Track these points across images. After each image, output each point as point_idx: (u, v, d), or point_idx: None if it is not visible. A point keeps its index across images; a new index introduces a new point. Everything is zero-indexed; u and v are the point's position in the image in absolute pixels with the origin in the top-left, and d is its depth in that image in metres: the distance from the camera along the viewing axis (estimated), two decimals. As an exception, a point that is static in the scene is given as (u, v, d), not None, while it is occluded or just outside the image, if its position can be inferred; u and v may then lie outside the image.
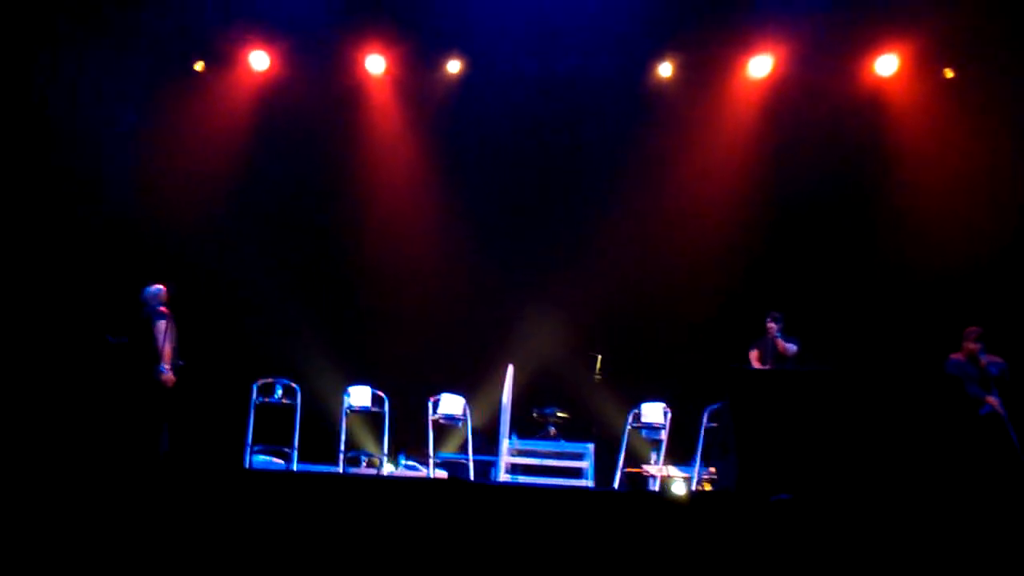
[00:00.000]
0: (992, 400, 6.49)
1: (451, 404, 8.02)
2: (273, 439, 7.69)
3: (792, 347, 7.54)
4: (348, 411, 7.76)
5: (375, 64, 9.60)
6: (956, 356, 6.76)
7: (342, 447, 7.64)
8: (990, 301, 8.10)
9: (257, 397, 7.60)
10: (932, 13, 8.41)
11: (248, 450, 7.49)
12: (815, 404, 4.30)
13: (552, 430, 8.88)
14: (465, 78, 9.61)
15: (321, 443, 7.94)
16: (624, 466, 8.00)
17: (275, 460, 7.77)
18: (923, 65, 9.01)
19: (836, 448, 4.10)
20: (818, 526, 3.32)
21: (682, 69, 9.42)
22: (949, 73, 9.01)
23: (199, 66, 9.69)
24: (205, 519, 3.93)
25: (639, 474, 8.26)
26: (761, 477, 3.86)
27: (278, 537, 3.98)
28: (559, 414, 8.96)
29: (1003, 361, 6.75)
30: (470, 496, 4.28)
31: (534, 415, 9.01)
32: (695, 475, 7.70)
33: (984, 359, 6.64)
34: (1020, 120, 8.58)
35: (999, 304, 8.11)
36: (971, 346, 6.69)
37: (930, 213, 8.77)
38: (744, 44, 9.11)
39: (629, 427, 8.00)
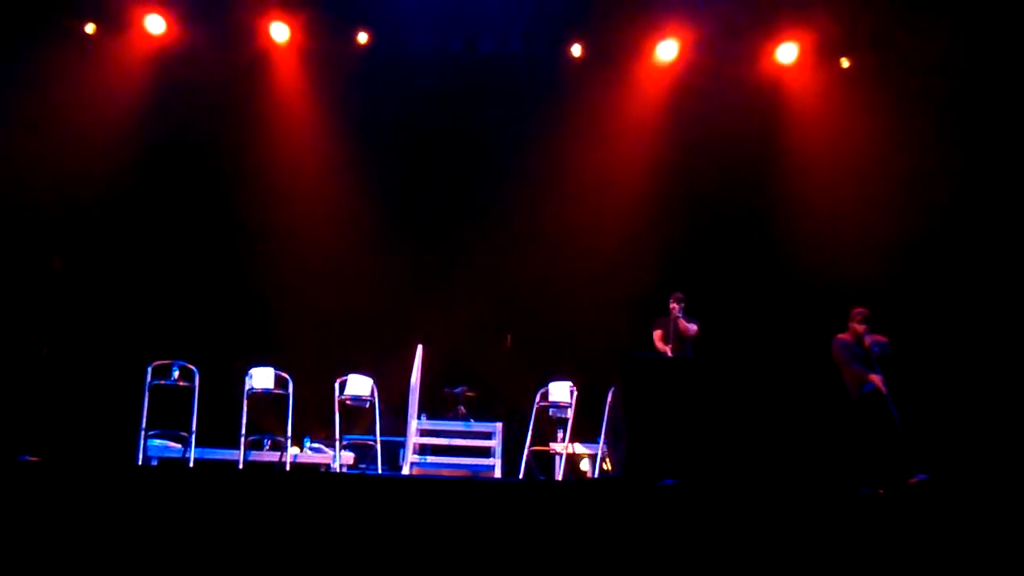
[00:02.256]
0: (875, 378, 6.78)
1: (358, 385, 7.91)
2: (170, 423, 7.42)
3: (693, 327, 7.75)
4: (250, 393, 7.55)
5: (279, 32, 9.27)
6: (842, 336, 7.06)
7: (243, 431, 7.43)
8: (882, 283, 8.52)
9: (152, 379, 7.28)
10: (828, 3, 8.68)
11: (142, 435, 7.20)
12: (704, 391, 4.44)
13: (461, 409, 8.92)
14: (373, 51, 9.38)
15: (221, 427, 7.70)
16: (531, 444, 8.09)
17: (171, 445, 7.51)
18: (821, 54, 9.35)
19: (724, 434, 4.25)
20: (703, 510, 3.45)
21: (592, 51, 9.48)
22: (845, 62, 9.38)
23: (90, 28, 9.14)
24: (89, 524, 3.74)
25: (546, 452, 8.40)
26: (651, 463, 3.97)
27: (172, 539, 3.83)
28: (468, 393, 9.02)
29: (886, 340, 7.07)
30: (375, 490, 4.22)
31: (444, 394, 9.04)
32: (599, 453, 7.88)
33: (868, 339, 6.93)
34: (912, 109, 8.98)
35: (890, 286, 8.53)
36: (857, 327, 6.99)
37: (826, 199, 9.14)
38: (652, 28, 9.22)
39: (537, 406, 8.09)
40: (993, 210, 8.51)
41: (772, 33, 9.23)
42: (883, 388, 6.75)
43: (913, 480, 6.25)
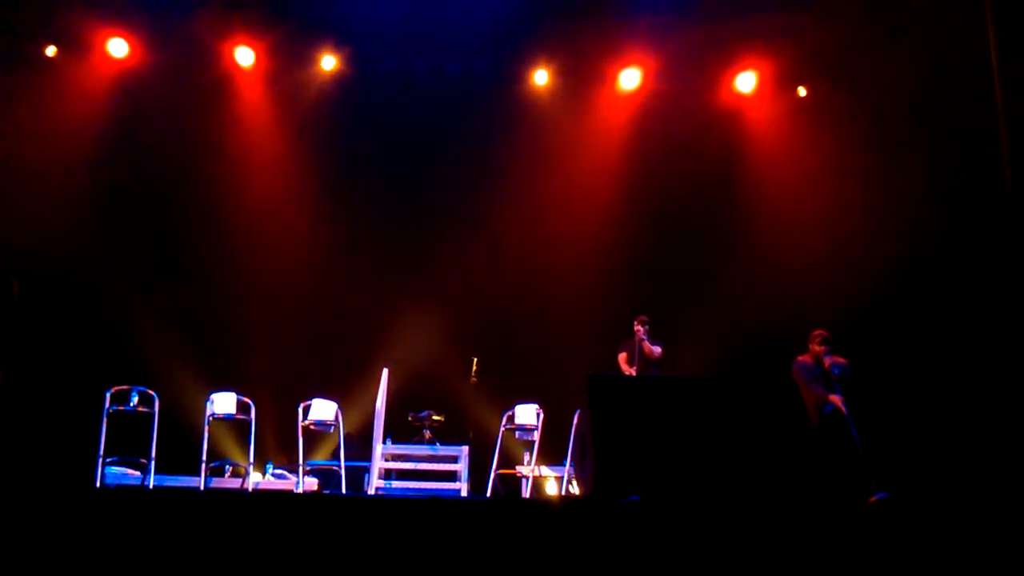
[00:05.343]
0: (834, 399, 6.87)
1: (322, 410, 7.83)
2: (129, 450, 7.26)
3: (657, 349, 7.84)
4: (211, 419, 7.43)
5: (244, 56, 9.28)
6: (802, 358, 7.16)
7: (204, 457, 7.30)
8: (841, 305, 8.69)
9: (110, 405, 7.13)
10: (786, 35, 8.96)
11: (100, 462, 7.03)
12: (670, 410, 4.49)
13: (427, 433, 8.87)
14: (339, 75, 9.45)
15: (182, 453, 7.58)
16: (498, 468, 8.07)
17: (130, 472, 7.35)
18: (778, 83, 9.63)
19: (687, 451, 4.30)
20: (665, 526, 3.48)
21: (557, 78, 9.65)
22: (802, 91, 9.69)
23: (51, 51, 9.05)
24: (47, 546, 3.64)
25: (512, 475, 8.37)
26: (618, 481, 4.00)
27: (132, 564, 3.74)
28: (434, 417, 8.97)
29: (846, 362, 7.18)
30: (339, 510, 4.18)
31: (409, 419, 8.98)
32: (565, 475, 7.88)
33: (828, 360, 7.04)
34: (867, 135, 9.23)
35: (850, 307, 8.70)
36: (816, 348, 7.10)
37: (785, 222, 9.37)
38: (615, 57, 9.43)
39: (503, 429, 8.08)
40: (950, 232, 8.74)
41: (731, 62, 9.51)
42: (843, 408, 6.83)
43: (873, 499, 6.33)
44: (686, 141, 9.53)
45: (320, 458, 8.35)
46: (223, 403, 7.47)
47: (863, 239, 8.96)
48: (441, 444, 8.54)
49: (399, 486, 8.06)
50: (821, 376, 7.01)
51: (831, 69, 9.42)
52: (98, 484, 7.01)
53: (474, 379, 8.53)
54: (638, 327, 7.86)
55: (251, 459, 7.50)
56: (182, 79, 9.22)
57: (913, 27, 8.46)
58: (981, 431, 7.96)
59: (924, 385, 8.39)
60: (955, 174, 8.65)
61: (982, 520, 4.44)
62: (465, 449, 8.10)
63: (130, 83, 9.19)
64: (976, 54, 8.17)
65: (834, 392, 6.89)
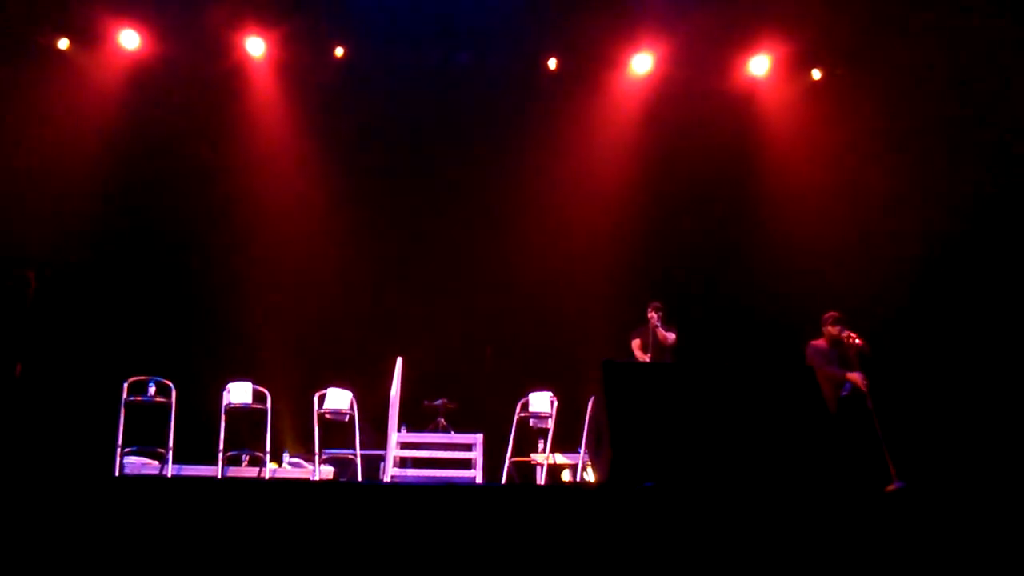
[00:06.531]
0: (853, 376, 6.75)
1: (337, 398, 7.88)
2: (147, 440, 7.35)
3: (671, 335, 7.81)
4: (228, 408, 7.49)
5: (255, 46, 9.27)
6: (816, 342, 7.08)
7: (221, 446, 7.36)
8: (855, 287, 8.61)
9: (128, 396, 7.21)
10: (800, 16, 8.84)
11: (118, 452, 7.11)
12: (686, 396, 4.47)
13: (441, 421, 8.92)
14: (350, 64, 9.42)
15: (199, 443, 7.65)
16: (512, 455, 8.09)
17: (148, 462, 7.43)
18: (792, 66, 9.53)
19: (703, 437, 4.28)
20: (682, 512, 3.47)
21: (568, 64, 9.59)
22: (817, 74, 9.57)
23: (63, 44, 9.09)
24: (67, 534, 3.68)
25: (527, 463, 8.39)
26: (634, 468, 3.99)
27: (151, 552, 3.78)
28: (448, 405, 9.01)
29: (863, 341, 7.07)
30: (355, 497, 4.19)
31: (424, 407, 9.03)
32: (580, 463, 7.89)
33: (845, 334, 6.91)
34: (882, 119, 9.13)
35: (863, 289, 8.63)
36: (830, 329, 7.01)
37: (798, 206, 9.29)
38: (627, 41, 9.35)
39: (517, 416, 8.09)
40: (972, 215, 8.62)
41: (744, 45, 9.40)
42: (863, 386, 6.70)
43: (891, 487, 6.27)
44: (699, 125, 9.45)
45: (336, 447, 8.40)
46: (239, 393, 7.54)
47: (880, 222, 8.88)
48: (456, 432, 8.57)
49: (414, 474, 8.10)
50: (836, 357, 6.94)
51: (846, 51, 9.30)
52: (117, 473, 7.09)
53: (487, 361, 8.53)
54: (652, 313, 7.83)
55: (268, 448, 7.57)
56: (193, 70, 9.23)
57: (932, 5, 8.32)
58: (1007, 418, 7.86)
59: (947, 370, 8.30)
60: (975, 156, 8.53)
61: (1005, 511, 4.38)
62: (480, 437, 8.13)
63: (142, 75, 9.20)
64: (995, 36, 8.08)
65: (852, 370, 6.78)
